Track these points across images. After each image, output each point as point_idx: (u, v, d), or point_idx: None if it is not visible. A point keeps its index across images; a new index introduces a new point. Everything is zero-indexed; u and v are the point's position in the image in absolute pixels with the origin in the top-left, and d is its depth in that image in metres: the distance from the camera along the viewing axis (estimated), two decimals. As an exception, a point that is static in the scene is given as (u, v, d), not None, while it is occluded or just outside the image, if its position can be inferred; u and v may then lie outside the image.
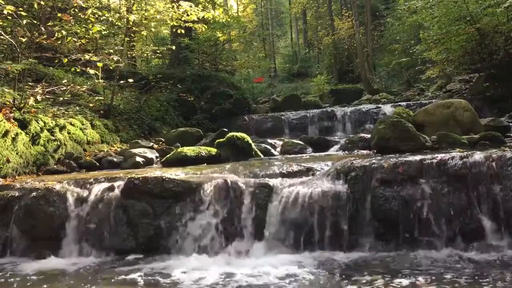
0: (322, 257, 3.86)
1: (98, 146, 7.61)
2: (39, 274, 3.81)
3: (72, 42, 7.62)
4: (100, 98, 8.85)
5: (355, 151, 6.64)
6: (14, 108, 6.31)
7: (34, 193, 4.53)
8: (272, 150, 7.18)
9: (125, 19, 8.88)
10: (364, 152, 6.34)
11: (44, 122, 6.39)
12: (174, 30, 11.38)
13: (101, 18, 8.23)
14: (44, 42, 7.16)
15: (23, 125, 6.00)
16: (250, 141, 6.64)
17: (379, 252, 3.90)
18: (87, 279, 3.66)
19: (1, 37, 6.65)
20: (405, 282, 3.16)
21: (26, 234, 4.46)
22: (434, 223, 3.89)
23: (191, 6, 8.77)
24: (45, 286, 3.52)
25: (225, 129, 7.89)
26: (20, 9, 6.59)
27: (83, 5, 7.64)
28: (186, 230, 4.23)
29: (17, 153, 5.71)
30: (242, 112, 12.88)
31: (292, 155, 6.90)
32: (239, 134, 6.61)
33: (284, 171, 4.78)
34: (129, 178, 4.53)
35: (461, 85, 14.00)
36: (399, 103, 12.37)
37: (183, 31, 10.02)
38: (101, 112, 8.51)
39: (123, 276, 3.63)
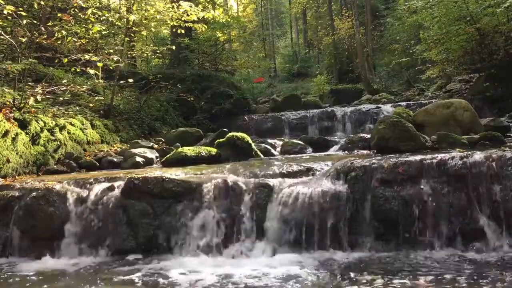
0: (322, 257, 3.86)
1: (98, 146, 7.61)
2: (39, 274, 3.81)
3: (72, 42, 7.62)
4: (100, 98, 8.85)
5: (355, 151, 6.63)
6: (14, 108, 6.31)
7: (34, 193, 4.53)
8: (272, 150, 7.18)
9: (125, 19, 8.88)
10: (364, 152, 6.34)
11: (44, 122, 6.39)
12: (174, 30, 11.38)
13: (101, 18, 8.23)
14: (44, 42, 7.16)
15: (23, 125, 6.00)
16: (250, 141, 6.64)
17: (379, 252, 3.90)
18: (87, 279, 3.65)
19: (1, 37, 6.65)
20: (405, 282, 3.16)
21: (26, 234, 4.46)
22: (434, 223, 3.89)
23: (191, 6, 8.77)
24: (45, 286, 3.52)
25: (225, 129, 7.89)
26: (20, 9, 6.59)
27: (83, 5, 7.64)
28: (186, 230, 4.23)
29: (17, 153, 5.71)
30: (242, 112, 12.88)
31: (292, 155, 6.90)
32: (239, 134, 6.60)
33: (284, 171, 4.78)
34: (129, 178, 4.53)
35: (461, 85, 14.00)
36: (399, 103, 12.37)
37: (183, 31, 10.02)
38: (101, 112, 8.51)
39: (122, 277, 3.62)
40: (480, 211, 3.85)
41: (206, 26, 10.45)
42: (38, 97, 6.67)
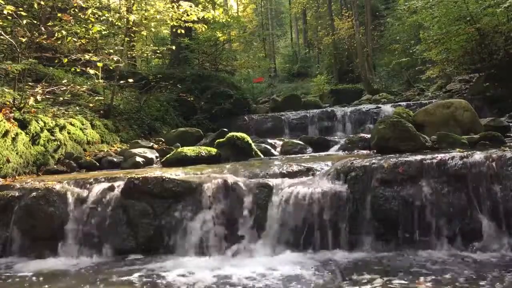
0: (322, 257, 3.86)
1: (98, 146, 7.61)
2: (38, 274, 3.81)
3: (72, 42, 7.62)
4: (100, 98, 8.85)
5: (355, 151, 6.63)
6: (14, 108, 6.31)
7: (34, 193, 4.53)
8: (272, 150, 7.18)
9: (125, 19, 8.88)
10: (364, 152, 6.34)
11: (44, 122, 6.39)
12: (174, 30, 11.39)
13: (101, 18, 8.23)
14: (44, 42, 7.15)
15: (23, 125, 6.00)
16: (250, 141, 6.64)
17: (379, 252, 3.90)
18: (87, 279, 3.65)
19: (1, 37, 6.65)
20: (405, 282, 3.16)
21: (26, 234, 4.45)
22: (434, 223, 3.89)
23: (191, 6, 8.77)
24: (45, 286, 3.52)
25: (225, 129, 7.89)
26: (20, 9, 6.59)
27: (83, 5, 7.64)
28: (186, 230, 4.23)
29: (17, 153, 5.71)
30: (242, 112, 12.88)
31: (292, 155, 6.90)
32: (239, 134, 6.60)
33: (284, 171, 4.78)
34: (129, 178, 4.53)
35: (461, 85, 14.00)
36: (399, 103, 12.37)
37: (183, 31, 10.02)
38: (101, 112, 8.51)
39: (122, 277, 3.62)
40: (480, 211, 3.85)
41: (206, 26, 10.45)
42: (38, 97, 6.67)
